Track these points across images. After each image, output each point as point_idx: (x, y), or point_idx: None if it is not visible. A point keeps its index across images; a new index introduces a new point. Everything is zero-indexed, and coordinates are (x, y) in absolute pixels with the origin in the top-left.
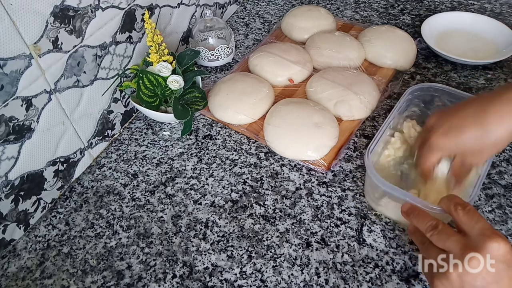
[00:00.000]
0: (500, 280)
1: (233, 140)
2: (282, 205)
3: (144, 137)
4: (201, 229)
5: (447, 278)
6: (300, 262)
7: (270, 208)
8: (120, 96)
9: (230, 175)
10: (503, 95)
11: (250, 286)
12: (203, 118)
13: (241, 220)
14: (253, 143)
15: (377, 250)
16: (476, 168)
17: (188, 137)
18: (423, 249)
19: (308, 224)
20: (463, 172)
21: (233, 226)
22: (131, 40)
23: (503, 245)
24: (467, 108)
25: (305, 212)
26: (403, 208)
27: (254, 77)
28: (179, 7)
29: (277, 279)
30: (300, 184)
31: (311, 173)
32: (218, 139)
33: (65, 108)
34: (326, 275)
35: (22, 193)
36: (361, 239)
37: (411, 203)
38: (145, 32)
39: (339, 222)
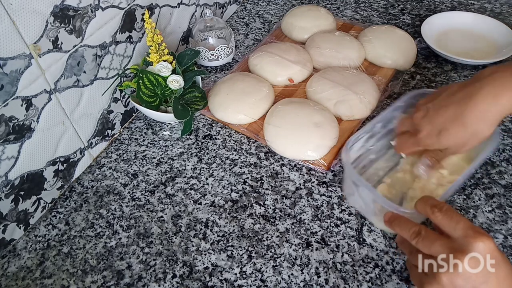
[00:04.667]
0: (489, 280)
1: (233, 140)
2: (282, 205)
3: (144, 137)
4: (201, 229)
5: (438, 282)
6: (300, 262)
7: (270, 208)
8: (120, 96)
9: (230, 175)
10: (480, 91)
11: (250, 286)
12: (203, 118)
13: (241, 220)
14: (253, 143)
15: (377, 250)
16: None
17: (188, 137)
18: (412, 258)
19: (308, 224)
20: (440, 155)
21: (233, 226)
22: (131, 40)
23: (488, 243)
24: (449, 108)
25: (305, 212)
26: (385, 218)
27: (254, 77)
28: (179, 7)
29: (277, 279)
30: (300, 184)
31: (311, 173)
32: (218, 139)
33: (65, 108)
34: (326, 275)
35: (22, 193)
36: (361, 239)
37: (392, 211)
38: (145, 32)
39: (339, 222)
